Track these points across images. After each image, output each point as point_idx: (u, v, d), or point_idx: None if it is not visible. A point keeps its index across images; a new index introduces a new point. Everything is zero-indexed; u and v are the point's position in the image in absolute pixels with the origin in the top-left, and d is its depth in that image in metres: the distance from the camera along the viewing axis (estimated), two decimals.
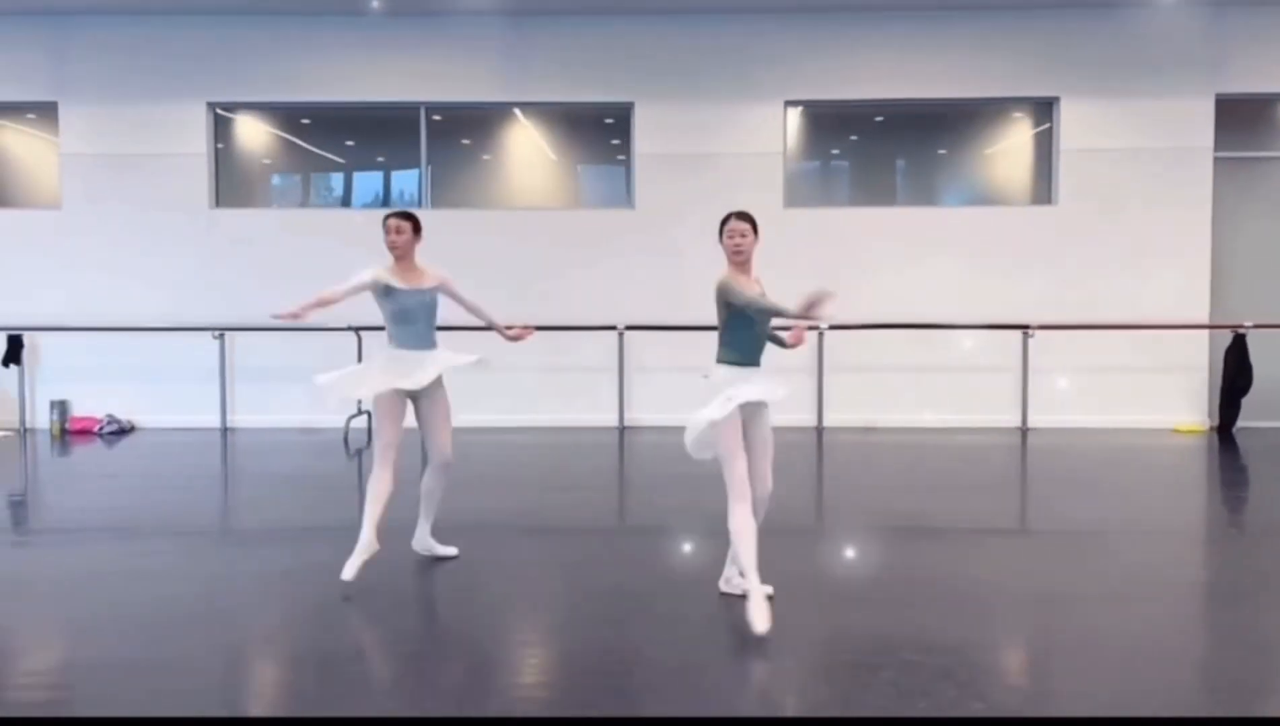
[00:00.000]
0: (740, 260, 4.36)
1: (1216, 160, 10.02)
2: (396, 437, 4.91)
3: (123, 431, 10.02)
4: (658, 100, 10.13)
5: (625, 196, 10.42)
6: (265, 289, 9.88)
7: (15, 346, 10.09)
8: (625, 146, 10.42)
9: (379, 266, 4.95)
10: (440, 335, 5.10)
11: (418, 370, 4.93)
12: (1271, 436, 9.70)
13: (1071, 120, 10.05)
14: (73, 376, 10.20)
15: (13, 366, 10.12)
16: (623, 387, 10.10)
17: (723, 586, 4.61)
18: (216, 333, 10.01)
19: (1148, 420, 9.98)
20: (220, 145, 10.43)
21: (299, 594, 4.75)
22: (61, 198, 10.26)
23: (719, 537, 4.57)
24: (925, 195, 10.69)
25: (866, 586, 4.96)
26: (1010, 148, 10.61)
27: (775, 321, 4.38)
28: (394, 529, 5.08)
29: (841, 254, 9.94)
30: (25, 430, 10.12)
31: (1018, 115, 10.45)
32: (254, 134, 10.79)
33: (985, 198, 10.54)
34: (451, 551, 5.28)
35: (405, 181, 10.64)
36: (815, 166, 10.93)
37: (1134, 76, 9.96)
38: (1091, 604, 4.54)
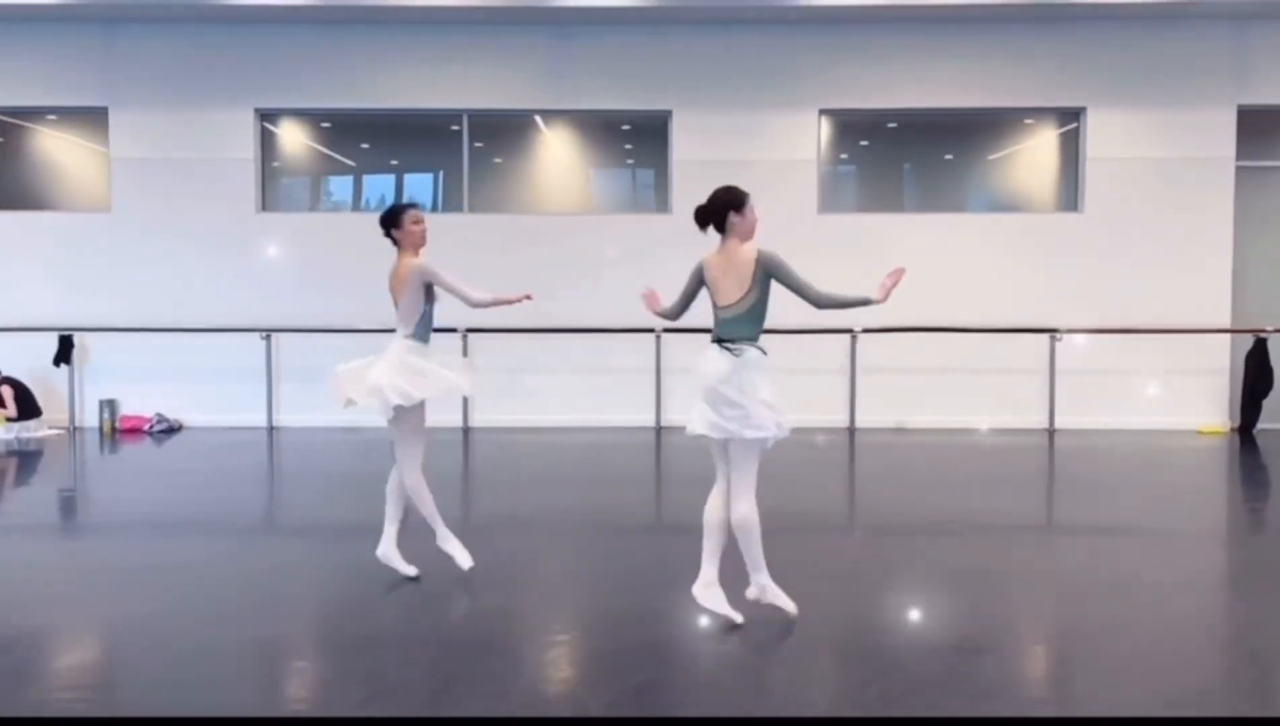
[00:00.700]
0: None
1: (1238, 169, 10.30)
2: None
3: (171, 430, 10.24)
4: (695, 108, 10.39)
5: (664, 202, 10.67)
6: (310, 291, 10.17)
7: (66, 346, 10.31)
8: (663, 153, 10.66)
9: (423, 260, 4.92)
10: (438, 336, 5.17)
11: (455, 371, 4.99)
12: None
13: (1098, 129, 10.32)
14: (121, 376, 10.43)
15: (63, 366, 10.34)
16: (659, 389, 10.35)
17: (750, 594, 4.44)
18: (264, 333, 10.24)
19: (1171, 422, 10.25)
20: (265, 151, 10.66)
21: (343, 589, 4.91)
22: (111, 201, 10.49)
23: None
24: (953, 201, 10.95)
25: (900, 582, 5.10)
26: (1037, 156, 10.88)
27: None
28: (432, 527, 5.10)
29: (873, 259, 10.13)
30: (75, 428, 10.35)
31: (1045, 124, 10.72)
32: (297, 139, 11.02)
33: (1013, 205, 10.82)
34: (413, 571, 4.94)
35: (448, 186, 10.87)
36: (850, 171, 11.20)
37: (1159, 88, 10.24)
38: (1114, 600, 4.68)
